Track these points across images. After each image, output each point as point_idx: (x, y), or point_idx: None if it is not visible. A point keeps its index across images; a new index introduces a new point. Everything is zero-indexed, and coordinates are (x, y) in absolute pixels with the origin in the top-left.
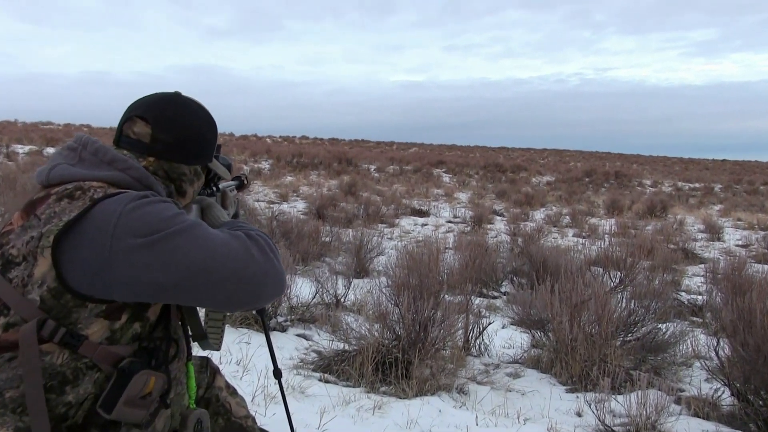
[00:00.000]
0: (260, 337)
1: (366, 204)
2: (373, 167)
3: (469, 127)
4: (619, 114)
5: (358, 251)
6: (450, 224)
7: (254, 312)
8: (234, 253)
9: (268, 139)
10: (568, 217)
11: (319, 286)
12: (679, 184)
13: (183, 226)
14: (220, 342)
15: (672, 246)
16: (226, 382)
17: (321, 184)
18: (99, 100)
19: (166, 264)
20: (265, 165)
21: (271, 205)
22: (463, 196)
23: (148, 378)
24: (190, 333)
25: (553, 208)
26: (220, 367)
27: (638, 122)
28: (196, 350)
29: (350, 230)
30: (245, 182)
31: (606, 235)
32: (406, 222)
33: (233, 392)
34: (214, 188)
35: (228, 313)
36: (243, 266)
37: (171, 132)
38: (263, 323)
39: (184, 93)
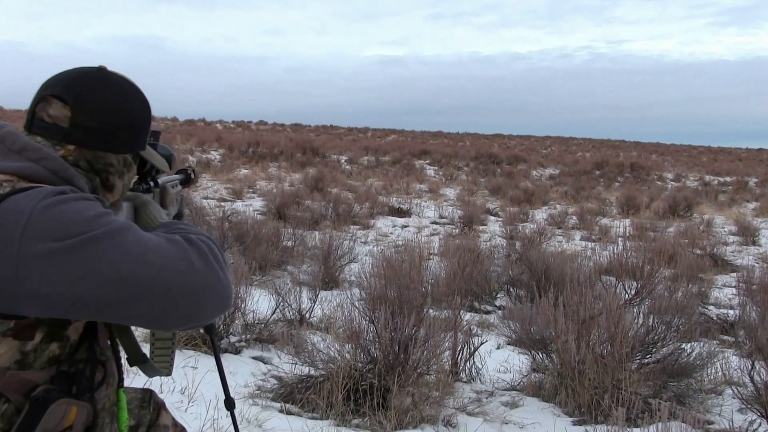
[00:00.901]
0: (209, 361)
1: (335, 202)
2: (343, 158)
3: (457, 111)
4: (636, 95)
5: (326, 258)
6: (435, 226)
7: (201, 330)
8: (169, 261)
9: (218, 125)
10: (574, 217)
11: (280, 299)
12: (707, 177)
13: (108, 229)
14: (171, 366)
15: (698, 251)
16: (174, 419)
17: (282, 178)
18: (11, 77)
19: (86, 274)
20: (215, 155)
21: (223, 204)
22: (450, 192)
23: (68, 408)
24: (123, 355)
25: (558, 206)
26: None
27: (658, 105)
28: (139, 378)
29: (317, 233)
30: (192, 176)
31: (620, 239)
32: (383, 223)
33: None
34: (152, 183)
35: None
36: (180, 277)
37: (94, 114)
38: (213, 344)
39: (111, 68)
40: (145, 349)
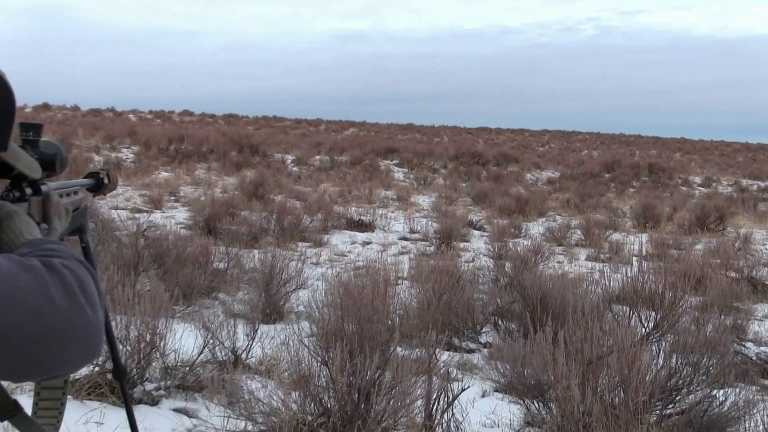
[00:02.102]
0: (118, 414)
1: (280, 213)
2: (290, 158)
3: (433, 99)
4: (655, 79)
5: (268, 283)
6: (405, 243)
7: (110, 376)
8: (19, 294)
9: (131, 116)
10: (578, 231)
11: (209, 335)
12: (744, 182)
13: None
14: (58, 424)
15: (733, 274)
16: None
17: (212, 182)
18: None
19: None
20: (127, 154)
21: (137, 215)
22: (424, 200)
23: None
24: None
25: (558, 218)
26: None
27: (682, 91)
28: None
29: (256, 252)
30: (106, 181)
31: (635, 258)
32: (340, 239)
33: None
34: (28, 190)
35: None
36: (32, 315)
37: None
38: (123, 393)
39: None
40: (28, 400)
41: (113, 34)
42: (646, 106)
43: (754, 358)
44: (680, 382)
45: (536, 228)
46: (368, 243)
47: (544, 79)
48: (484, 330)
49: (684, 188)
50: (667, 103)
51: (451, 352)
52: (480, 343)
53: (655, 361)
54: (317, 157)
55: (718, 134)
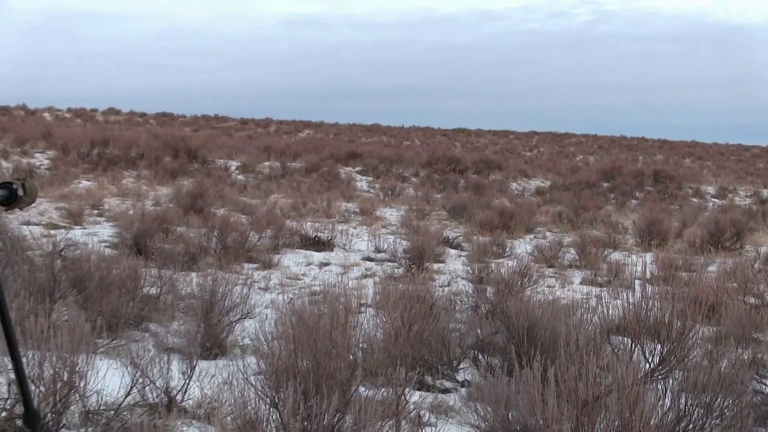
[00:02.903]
0: None
1: (222, 229)
2: (234, 164)
3: (403, 95)
4: (661, 72)
5: (208, 312)
6: (369, 264)
7: (20, 422)
8: None
9: (46, 114)
10: (572, 250)
11: (138, 373)
12: (765, 192)
13: None
14: None
15: (752, 300)
16: None
17: (143, 193)
18: None
19: None
20: (41, 159)
21: (53, 232)
22: (392, 214)
23: None
24: None
25: (548, 234)
26: None
27: (693, 87)
28: None
29: (194, 275)
30: (20, 194)
31: (638, 282)
32: (293, 260)
33: None
34: None
35: None
36: None
37: None
38: None
39: None
40: None
41: (21, 17)
42: (652, 105)
43: None
44: (690, 426)
45: (523, 246)
46: (326, 264)
47: (532, 72)
48: (461, 366)
49: (695, 200)
50: (675, 100)
51: (423, 392)
52: (457, 381)
53: (661, 402)
54: (266, 163)
55: (735, 137)
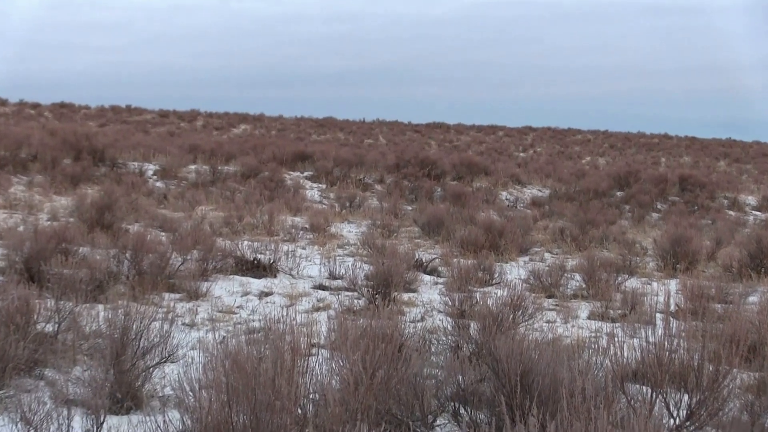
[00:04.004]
0: None
1: (136, 249)
2: (151, 168)
3: (364, 81)
4: (689, 50)
5: (119, 354)
6: (322, 293)
7: None
8: None
9: None
10: (578, 276)
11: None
12: None
13: None
14: None
15: None
16: None
17: (36, 205)
18: None
19: None
20: None
21: None
22: (351, 230)
23: None
24: None
25: (547, 256)
26: None
27: (729, 68)
28: None
29: (101, 307)
30: None
31: (660, 316)
32: (226, 288)
33: None
34: None
35: None
36: None
37: None
38: None
39: None
40: None
41: None
42: (677, 93)
43: None
44: None
45: (515, 271)
46: (268, 294)
47: (527, 53)
48: (438, 422)
49: (732, 213)
50: (708, 87)
51: None
52: None
53: None
54: (192, 166)
55: None
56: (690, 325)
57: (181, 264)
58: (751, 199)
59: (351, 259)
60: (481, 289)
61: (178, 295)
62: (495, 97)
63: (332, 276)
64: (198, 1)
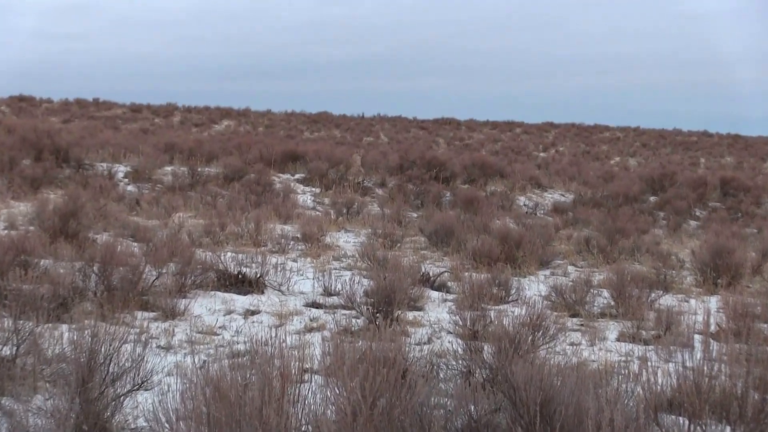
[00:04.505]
0: None
1: (106, 262)
2: (122, 169)
3: (363, 71)
4: (735, 36)
5: (86, 381)
6: (316, 312)
7: None
8: None
9: None
10: (605, 292)
11: None
12: None
13: None
14: None
15: None
16: None
17: None
18: None
19: None
20: None
21: None
22: (348, 241)
23: None
24: None
25: (571, 269)
26: None
27: None
28: None
29: (65, 328)
30: None
31: (699, 338)
32: (207, 306)
33: None
34: None
35: None
36: None
37: None
38: None
39: None
40: None
41: None
42: (719, 86)
43: None
44: None
45: (535, 287)
46: (254, 312)
47: (547, 38)
48: None
49: None
50: (753, 78)
51: None
52: None
53: None
54: (168, 168)
55: None
56: (733, 348)
57: (156, 278)
58: None
59: (348, 272)
60: (496, 307)
61: (152, 314)
62: (512, 90)
63: (327, 292)
64: None
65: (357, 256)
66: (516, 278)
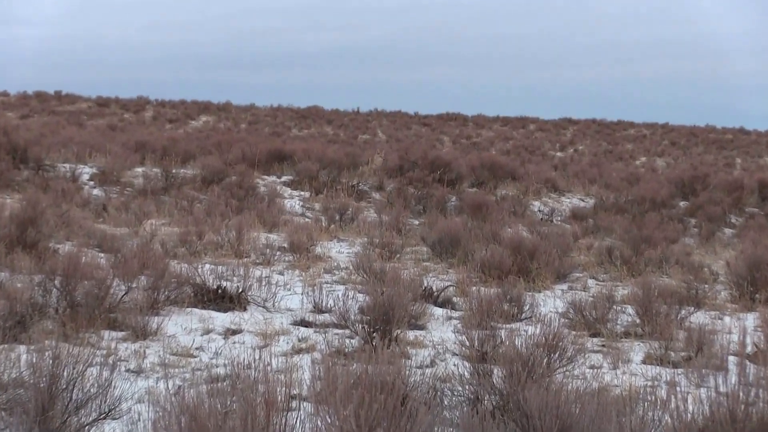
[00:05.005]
0: None
1: (68, 275)
2: (87, 171)
3: (358, 60)
4: None
5: (46, 409)
6: (305, 331)
7: None
8: None
9: None
10: (630, 308)
11: None
12: None
13: None
14: None
15: None
16: None
17: None
18: None
19: None
20: None
21: None
22: (341, 251)
23: None
24: None
25: (591, 283)
26: None
27: None
28: None
29: (23, 349)
30: None
31: (734, 360)
32: (183, 325)
33: None
34: None
35: None
36: None
37: None
38: None
39: None
40: None
41: None
42: (758, 76)
43: None
44: None
45: (551, 302)
46: (235, 332)
47: (565, 23)
48: None
49: None
50: None
51: None
52: None
53: None
54: (139, 169)
55: None
56: None
57: (125, 294)
58: None
59: (341, 287)
60: (507, 326)
61: (121, 334)
62: (525, 82)
63: (317, 309)
64: None
65: (351, 268)
66: (530, 293)
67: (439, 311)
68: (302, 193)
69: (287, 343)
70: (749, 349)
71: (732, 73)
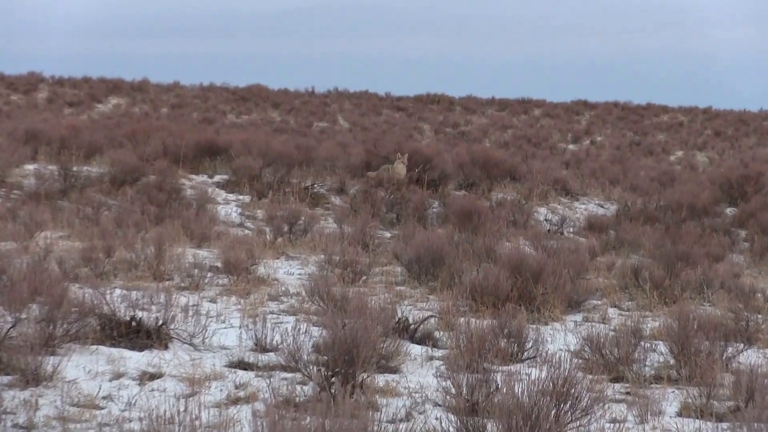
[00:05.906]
0: None
1: None
2: None
3: (310, 28)
4: None
5: None
6: (243, 375)
7: None
8: None
9: None
10: (662, 346)
11: None
12: None
13: None
14: None
15: None
16: None
17: None
18: None
19: None
20: None
21: None
22: (292, 272)
23: None
24: None
25: (612, 311)
26: None
27: None
28: None
29: None
30: None
31: None
32: (86, 367)
33: None
34: None
35: None
36: None
37: None
38: None
39: None
40: None
41: None
42: None
43: None
44: None
45: (561, 338)
46: (154, 376)
47: None
48: None
49: None
50: None
51: None
52: None
53: None
54: (30, 166)
55: None
56: None
57: (12, 327)
58: None
59: (291, 318)
60: (505, 368)
61: (6, 379)
62: (528, 55)
63: (260, 347)
64: None
65: (304, 294)
66: (533, 326)
67: (417, 349)
68: (241, 197)
69: (221, 390)
70: None
71: None
